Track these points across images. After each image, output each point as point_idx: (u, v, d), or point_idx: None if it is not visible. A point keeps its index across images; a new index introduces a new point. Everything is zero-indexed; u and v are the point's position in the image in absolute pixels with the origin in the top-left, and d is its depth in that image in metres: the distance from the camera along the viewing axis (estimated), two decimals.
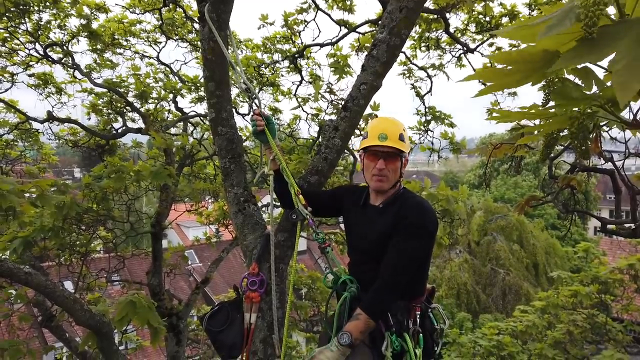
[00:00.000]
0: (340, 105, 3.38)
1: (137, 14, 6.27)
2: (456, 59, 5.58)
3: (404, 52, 5.46)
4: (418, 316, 2.22)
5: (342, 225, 7.51)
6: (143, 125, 6.02)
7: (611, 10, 0.78)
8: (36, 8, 5.58)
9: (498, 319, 17.39)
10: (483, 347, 5.76)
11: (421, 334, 2.18)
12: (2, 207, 2.69)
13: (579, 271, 7.36)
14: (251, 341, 2.78)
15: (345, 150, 4.79)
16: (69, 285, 11.80)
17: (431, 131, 5.38)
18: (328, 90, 4.36)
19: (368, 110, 3.44)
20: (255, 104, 2.81)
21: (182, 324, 6.18)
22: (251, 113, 2.78)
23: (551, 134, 0.92)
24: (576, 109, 0.79)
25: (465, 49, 5.31)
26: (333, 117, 4.36)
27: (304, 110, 5.37)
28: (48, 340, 11.20)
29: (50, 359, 12.90)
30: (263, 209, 6.00)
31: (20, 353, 3.77)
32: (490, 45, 5.37)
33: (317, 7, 5.18)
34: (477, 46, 5.34)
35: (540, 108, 0.96)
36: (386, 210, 2.32)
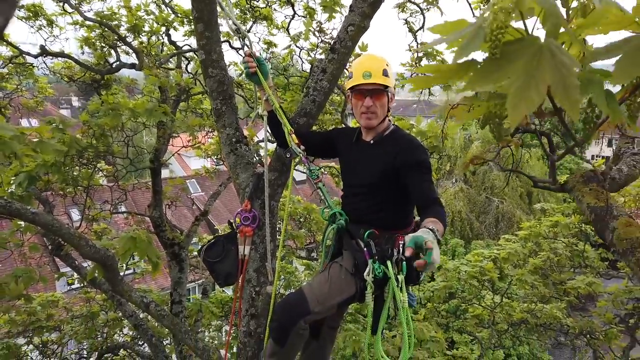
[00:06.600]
0: (329, 45, 3.41)
1: None
2: None
3: None
4: (402, 245, 2.25)
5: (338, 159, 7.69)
6: (137, 61, 5.99)
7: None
8: None
9: (490, 244, 18.06)
10: (467, 272, 6.14)
11: (404, 262, 2.19)
12: (4, 153, 2.82)
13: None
14: (245, 270, 3.02)
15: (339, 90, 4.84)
16: (75, 214, 12.21)
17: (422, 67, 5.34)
18: (318, 29, 4.33)
19: (356, 52, 3.47)
20: (247, 44, 2.85)
21: (184, 253, 6.54)
22: (242, 55, 2.82)
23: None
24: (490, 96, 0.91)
25: None
26: (323, 56, 4.37)
27: (297, 46, 5.34)
28: (60, 267, 11.77)
29: (62, 283, 13.65)
30: (260, 144, 6.14)
31: (33, 280, 3.98)
32: None
33: None
34: None
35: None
36: (379, 145, 2.45)
